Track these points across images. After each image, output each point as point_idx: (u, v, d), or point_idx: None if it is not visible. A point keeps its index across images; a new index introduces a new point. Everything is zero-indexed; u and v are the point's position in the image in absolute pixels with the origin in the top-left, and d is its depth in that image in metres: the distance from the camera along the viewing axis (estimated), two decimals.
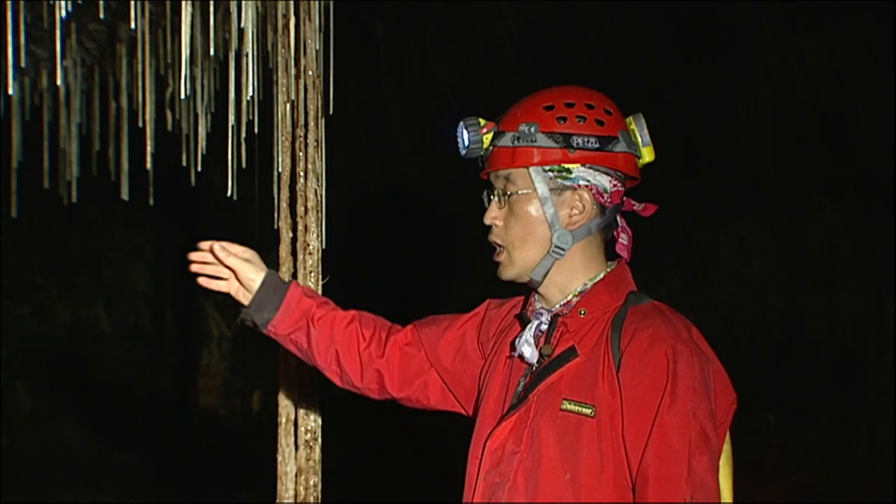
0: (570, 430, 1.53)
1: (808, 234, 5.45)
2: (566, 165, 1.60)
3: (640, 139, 1.66)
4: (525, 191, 1.61)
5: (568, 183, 1.61)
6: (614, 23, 5.24)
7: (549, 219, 1.61)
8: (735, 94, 5.25)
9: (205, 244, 1.78)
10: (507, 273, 1.65)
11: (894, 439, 5.15)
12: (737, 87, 5.23)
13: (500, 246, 1.65)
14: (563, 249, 1.61)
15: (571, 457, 1.52)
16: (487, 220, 1.65)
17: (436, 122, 5.63)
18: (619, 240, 1.69)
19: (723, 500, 1.62)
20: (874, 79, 4.86)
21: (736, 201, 5.50)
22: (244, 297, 1.78)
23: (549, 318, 1.64)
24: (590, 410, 1.52)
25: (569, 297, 1.64)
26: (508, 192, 1.62)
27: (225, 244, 1.76)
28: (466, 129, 1.65)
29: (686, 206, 5.59)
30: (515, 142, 1.60)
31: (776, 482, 5.47)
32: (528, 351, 1.62)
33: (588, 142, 1.60)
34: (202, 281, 1.79)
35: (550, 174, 1.60)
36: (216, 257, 1.76)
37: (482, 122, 1.66)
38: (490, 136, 1.64)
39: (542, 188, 1.60)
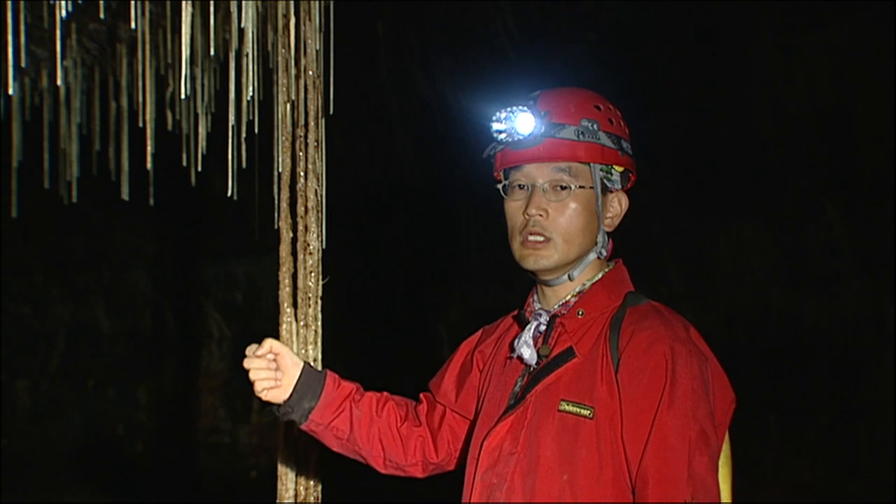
0: (569, 431, 1.53)
1: (808, 234, 5.45)
2: (614, 167, 1.63)
3: None
4: (586, 186, 1.60)
5: (610, 185, 1.63)
6: (614, 23, 5.24)
7: (600, 217, 1.62)
8: (735, 95, 5.24)
9: (260, 351, 1.70)
10: (545, 262, 1.60)
11: (894, 439, 5.15)
12: (737, 88, 5.23)
13: (542, 236, 1.60)
14: (606, 249, 1.64)
15: (569, 458, 1.52)
16: (533, 210, 1.59)
17: (436, 122, 5.64)
18: None
19: (723, 501, 1.62)
20: (874, 79, 4.86)
21: (736, 201, 5.50)
22: (280, 396, 1.71)
23: (547, 319, 1.64)
24: (588, 411, 1.52)
25: (567, 298, 1.64)
26: (565, 185, 1.59)
27: (269, 345, 1.70)
28: (531, 115, 1.59)
29: (686, 206, 5.59)
30: (580, 136, 1.59)
31: (776, 482, 5.47)
32: (527, 352, 1.62)
33: (629, 147, 1.64)
34: (264, 395, 1.71)
35: (601, 173, 1.62)
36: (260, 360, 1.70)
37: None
38: (539, 125, 1.60)
39: (598, 186, 1.61)
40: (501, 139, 1.61)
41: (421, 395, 1.86)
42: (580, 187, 1.59)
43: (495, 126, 1.61)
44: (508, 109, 1.60)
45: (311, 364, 1.97)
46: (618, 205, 1.64)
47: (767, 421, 5.62)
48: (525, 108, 1.59)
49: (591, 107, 1.61)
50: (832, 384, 5.50)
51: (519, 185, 1.63)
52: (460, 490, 1.67)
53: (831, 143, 5.16)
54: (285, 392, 1.71)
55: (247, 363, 1.70)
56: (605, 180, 1.62)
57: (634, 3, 5.09)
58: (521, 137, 1.59)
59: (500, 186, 1.67)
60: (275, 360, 1.70)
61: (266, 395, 1.70)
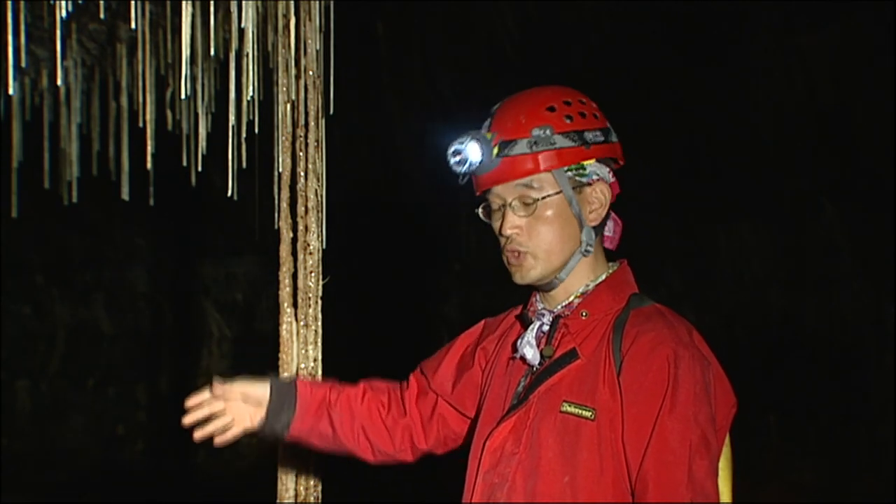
0: (570, 433, 1.53)
1: (808, 234, 5.45)
2: (583, 163, 1.60)
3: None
4: (553, 193, 1.59)
5: (584, 180, 1.61)
6: (614, 23, 5.24)
7: (577, 218, 1.60)
8: (735, 94, 5.24)
9: (199, 398, 1.78)
10: (531, 275, 1.61)
11: (894, 439, 5.15)
12: (737, 87, 5.23)
13: (522, 253, 1.61)
14: (592, 246, 1.62)
15: (571, 459, 1.52)
16: (508, 231, 1.60)
17: (436, 123, 5.63)
18: (606, 231, 1.68)
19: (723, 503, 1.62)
20: (874, 79, 4.86)
21: (736, 201, 5.50)
22: (256, 419, 1.78)
23: (550, 320, 1.64)
24: (590, 413, 1.52)
25: (571, 299, 1.63)
26: (534, 198, 1.59)
27: (215, 387, 1.77)
28: (478, 143, 1.59)
29: (686, 206, 5.59)
30: (534, 147, 1.57)
31: (776, 482, 5.47)
32: (530, 352, 1.62)
33: (597, 136, 1.61)
34: (217, 440, 1.79)
35: (569, 174, 1.60)
36: (214, 402, 1.77)
37: (489, 135, 1.61)
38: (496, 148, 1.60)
39: (567, 189, 1.59)
40: (462, 171, 1.62)
41: (411, 377, 1.87)
42: (547, 196, 1.58)
43: (452, 160, 1.62)
44: (458, 142, 1.61)
45: (281, 377, 2.03)
46: (600, 195, 1.62)
47: (767, 421, 5.62)
48: (472, 138, 1.60)
49: (542, 112, 1.59)
50: (832, 384, 5.50)
51: (494, 207, 1.64)
52: (461, 489, 1.67)
53: (831, 143, 5.16)
54: (255, 417, 1.78)
55: (186, 420, 1.77)
56: (577, 178, 1.60)
57: (634, 2, 5.09)
58: (476, 165, 1.60)
59: (479, 211, 1.67)
60: (218, 398, 1.77)
61: (223, 440, 1.79)
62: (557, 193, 1.59)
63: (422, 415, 1.82)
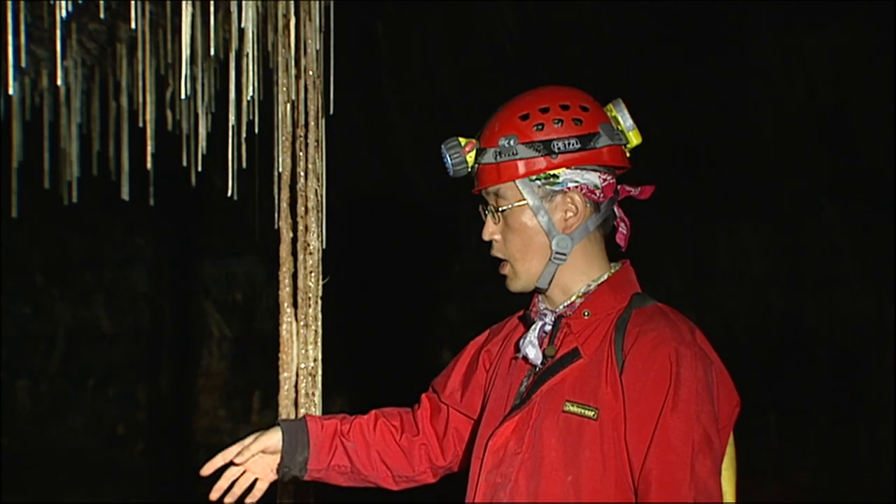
0: (573, 432, 1.53)
1: (808, 234, 5.45)
2: (552, 172, 1.59)
3: (623, 124, 1.65)
4: (517, 203, 1.60)
5: (557, 188, 1.60)
6: (614, 23, 5.23)
7: (545, 227, 1.60)
8: (735, 94, 5.24)
9: (222, 461, 1.79)
10: (515, 286, 1.66)
11: (894, 439, 5.14)
12: (737, 87, 5.22)
13: (502, 260, 1.65)
14: (564, 254, 1.61)
15: (573, 459, 1.52)
16: (486, 237, 1.66)
17: (436, 123, 5.63)
18: (619, 229, 1.69)
19: (726, 503, 1.62)
20: (874, 79, 4.85)
21: (736, 201, 5.49)
22: (274, 468, 1.80)
23: (552, 319, 1.64)
24: (592, 413, 1.52)
25: (573, 299, 1.64)
26: (501, 208, 1.62)
27: (233, 450, 1.78)
28: (448, 151, 1.64)
29: (686, 206, 5.59)
30: (498, 157, 1.60)
31: (776, 482, 5.46)
32: (532, 352, 1.62)
33: (569, 144, 1.59)
34: (248, 501, 1.81)
35: (538, 183, 1.60)
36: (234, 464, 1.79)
37: (463, 141, 1.65)
38: (473, 154, 1.64)
39: (532, 198, 1.60)
40: (451, 175, 1.67)
41: (423, 397, 1.87)
42: (513, 206, 1.61)
43: (446, 164, 1.66)
44: (443, 144, 1.65)
45: (285, 417, 2.07)
46: (573, 204, 1.61)
47: (767, 421, 5.62)
48: (446, 144, 1.64)
49: (514, 120, 1.61)
50: (832, 384, 5.50)
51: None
52: (463, 489, 1.67)
53: (831, 143, 5.16)
54: (275, 466, 1.79)
55: (213, 495, 1.80)
56: (546, 186, 1.60)
57: (634, 2, 5.09)
58: (453, 170, 1.65)
59: (480, 208, 1.71)
60: (240, 461, 1.78)
61: (254, 499, 1.81)
62: (522, 203, 1.60)
63: (436, 432, 1.83)
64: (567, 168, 1.60)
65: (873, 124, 4.95)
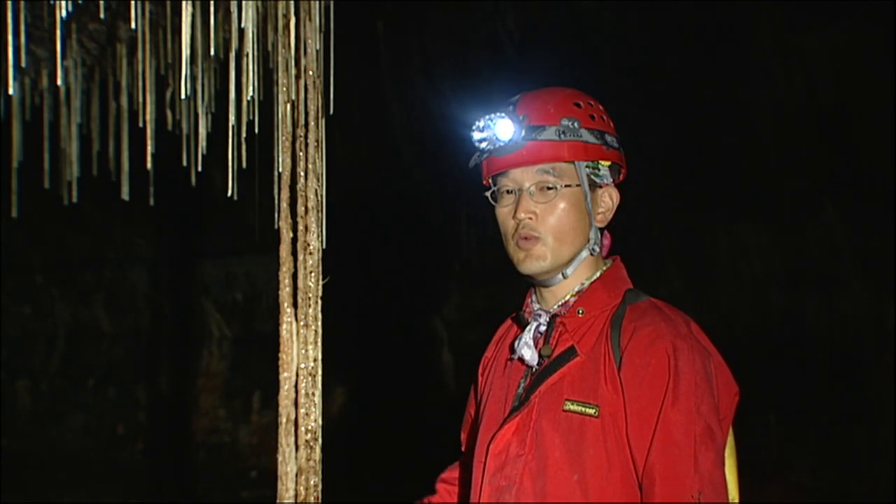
0: (575, 431, 1.53)
1: (808, 234, 5.45)
2: (600, 162, 1.62)
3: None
4: (573, 184, 1.60)
5: (598, 180, 1.63)
6: (614, 23, 5.24)
7: (590, 214, 1.61)
8: (735, 94, 5.24)
9: None
10: (540, 264, 1.60)
11: (894, 439, 5.15)
12: (737, 87, 5.23)
13: (534, 237, 1.60)
14: (598, 246, 1.63)
15: (577, 457, 1.52)
16: (522, 214, 1.60)
17: (436, 123, 5.64)
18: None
19: (730, 492, 1.62)
20: (874, 79, 4.86)
21: (736, 201, 5.50)
22: None
23: (547, 319, 1.64)
24: (593, 410, 1.52)
25: (566, 298, 1.64)
26: (551, 186, 1.59)
27: None
28: (511, 120, 1.59)
29: (686, 206, 5.59)
30: (561, 136, 1.58)
31: (776, 482, 5.47)
32: (528, 353, 1.62)
33: (614, 140, 1.63)
34: None
35: (588, 170, 1.61)
36: None
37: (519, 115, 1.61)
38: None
39: (584, 184, 1.61)
40: (484, 147, 1.62)
41: (461, 435, 1.90)
42: (566, 186, 1.59)
43: (476, 135, 1.61)
44: (487, 117, 1.60)
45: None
46: (609, 199, 1.64)
47: (767, 421, 5.62)
48: (503, 115, 1.60)
49: (570, 105, 1.61)
50: (832, 384, 5.50)
51: (507, 191, 1.63)
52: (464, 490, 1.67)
53: (831, 143, 5.16)
54: None
55: None
56: (592, 176, 1.62)
57: (634, 2, 5.09)
58: (502, 144, 1.59)
59: (488, 194, 1.67)
60: None
61: None
62: (577, 185, 1.60)
63: None
64: (610, 163, 1.63)
65: (873, 124, 4.96)
